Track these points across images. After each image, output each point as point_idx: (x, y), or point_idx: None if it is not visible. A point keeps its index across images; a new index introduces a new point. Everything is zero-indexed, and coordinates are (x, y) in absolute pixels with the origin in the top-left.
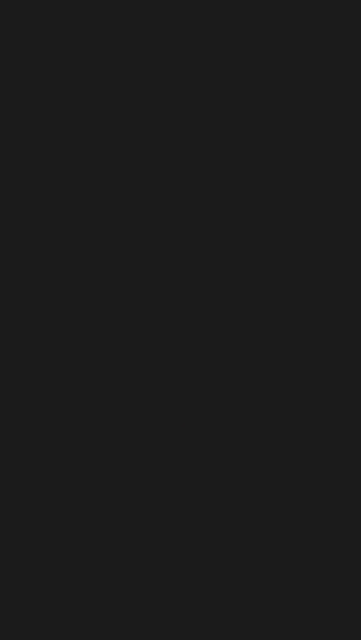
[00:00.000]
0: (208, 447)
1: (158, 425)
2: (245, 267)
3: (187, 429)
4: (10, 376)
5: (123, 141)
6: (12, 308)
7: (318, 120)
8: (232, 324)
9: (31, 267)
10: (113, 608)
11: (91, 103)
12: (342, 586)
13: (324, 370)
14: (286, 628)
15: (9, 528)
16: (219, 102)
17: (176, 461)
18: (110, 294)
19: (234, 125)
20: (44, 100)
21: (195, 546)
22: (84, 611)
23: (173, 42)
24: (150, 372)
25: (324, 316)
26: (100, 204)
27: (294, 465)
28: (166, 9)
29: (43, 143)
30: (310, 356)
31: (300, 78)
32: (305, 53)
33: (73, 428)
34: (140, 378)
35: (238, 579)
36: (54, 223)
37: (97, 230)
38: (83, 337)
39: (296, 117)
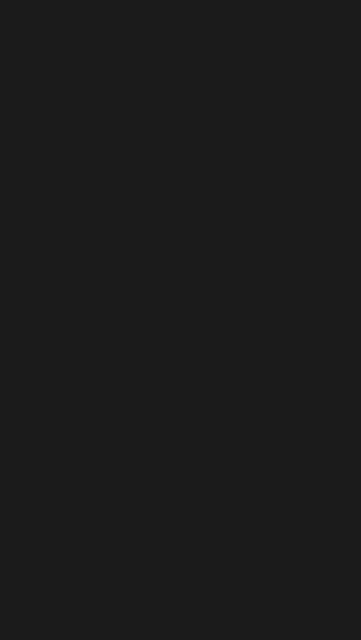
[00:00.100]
0: (208, 447)
1: (158, 425)
2: (245, 266)
3: (187, 429)
4: (10, 376)
5: (123, 141)
6: (12, 308)
7: (318, 120)
8: (232, 324)
9: (31, 267)
10: (113, 608)
11: (91, 103)
12: (342, 586)
13: (324, 369)
14: (286, 627)
15: (9, 528)
16: (219, 102)
17: (176, 461)
18: (110, 294)
19: (234, 125)
20: (43, 101)
21: (195, 546)
22: (84, 611)
23: (173, 42)
24: (150, 371)
25: (325, 316)
26: (100, 204)
27: (294, 465)
28: (166, 9)
29: (43, 143)
30: (310, 356)
31: (300, 78)
32: (305, 53)
33: (73, 427)
34: (140, 378)
35: (238, 578)
36: (54, 223)
37: (97, 230)
38: (83, 337)
39: (296, 117)
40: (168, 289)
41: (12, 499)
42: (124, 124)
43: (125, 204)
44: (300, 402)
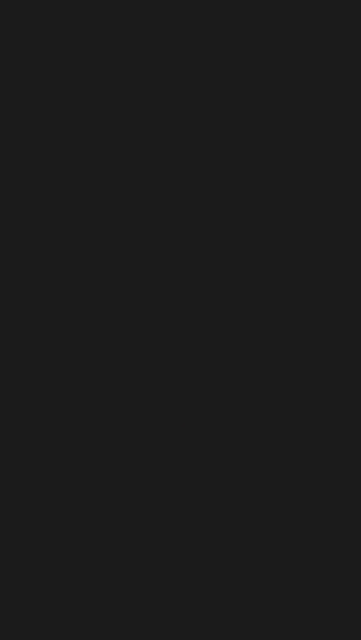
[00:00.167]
0: (208, 447)
1: (158, 425)
2: (245, 266)
3: (187, 429)
4: (10, 376)
5: (123, 141)
6: (12, 308)
7: (318, 120)
8: (232, 324)
9: (31, 267)
10: (113, 608)
11: (91, 103)
12: (342, 586)
13: (324, 369)
14: (286, 627)
15: (9, 528)
16: (219, 102)
17: (176, 461)
18: (110, 294)
19: (234, 125)
20: (43, 101)
21: (195, 545)
22: (84, 611)
23: (173, 42)
24: (150, 371)
25: (325, 316)
26: (100, 204)
27: (294, 465)
28: (166, 9)
29: (43, 143)
30: (310, 356)
31: (300, 78)
32: (305, 53)
33: (73, 427)
34: (140, 377)
35: (238, 578)
36: (54, 223)
37: (97, 230)
38: (83, 337)
39: (296, 117)
40: (168, 288)
41: (12, 499)
42: (123, 123)
43: (125, 203)
44: (301, 401)
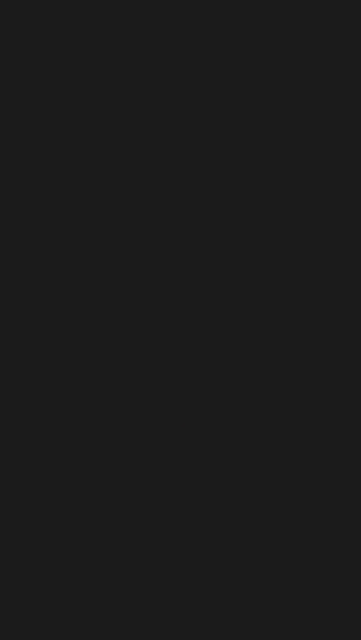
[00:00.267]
0: (208, 447)
1: (158, 425)
2: (245, 267)
3: (187, 429)
4: (10, 376)
5: (123, 141)
6: (12, 308)
7: (318, 120)
8: (232, 324)
9: (31, 267)
10: (113, 608)
11: (91, 103)
12: (342, 586)
13: (324, 370)
14: (286, 628)
15: (9, 528)
16: (219, 102)
17: (176, 461)
18: (110, 294)
19: (234, 125)
20: (43, 101)
21: (195, 546)
22: (84, 611)
23: (173, 42)
24: (150, 371)
25: (325, 316)
26: (100, 204)
27: (294, 465)
28: (166, 9)
29: (43, 143)
30: (310, 356)
31: (301, 78)
32: (305, 54)
33: (73, 427)
34: (140, 378)
35: (238, 578)
36: (54, 223)
37: (97, 230)
38: (83, 337)
39: (296, 117)
40: (168, 288)
41: (12, 499)
42: (123, 123)
43: (125, 203)
44: (301, 401)
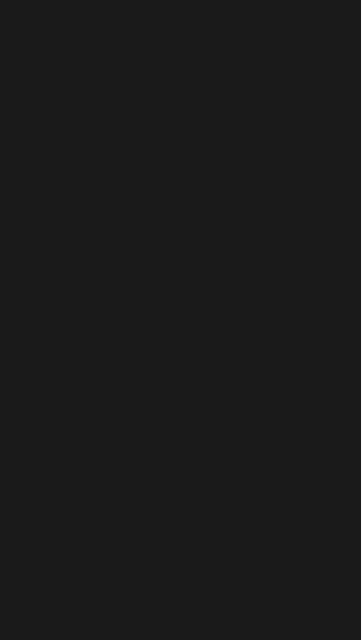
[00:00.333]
0: (208, 447)
1: (158, 425)
2: (245, 267)
3: (187, 429)
4: (10, 376)
5: (123, 142)
6: (12, 308)
7: (318, 120)
8: (232, 325)
9: (31, 267)
10: (113, 608)
11: (91, 103)
12: (342, 586)
13: (325, 370)
14: (286, 628)
15: (9, 528)
16: (219, 103)
17: (176, 461)
18: (110, 294)
19: (234, 125)
20: (43, 101)
21: (195, 546)
22: (84, 611)
23: (173, 42)
24: (150, 371)
25: (325, 317)
26: (100, 204)
27: (294, 465)
28: (166, 9)
29: (43, 143)
30: (310, 357)
31: (301, 79)
32: (305, 54)
33: (73, 427)
34: (140, 378)
35: (238, 578)
36: (54, 223)
37: (97, 230)
38: (83, 337)
39: (296, 118)
40: (168, 289)
41: (12, 499)
42: (123, 123)
43: (125, 203)
44: (301, 402)
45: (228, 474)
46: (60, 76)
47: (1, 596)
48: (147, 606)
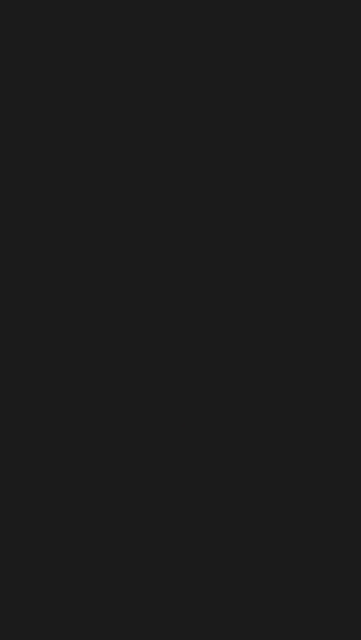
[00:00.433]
0: (208, 447)
1: (158, 425)
2: (245, 267)
3: (187, 429)
4: (10, 376)
5: (123, 142)
6: (12, 308)
7: (318, 120)
8: (232, 325)
9: (31, 267)
10: (113, 608)
11: (91, 103)
12: (342, 586)
13: (325, 370)
14: (286, 628)
15: (9, 528)
16: (219, 103)
17: (176, 461)
18: (110, 294)
19: (234, 126)
20: (43, 101)
21: (195, 546)
22: (84, 611)
23: (173, 42)
24: (150, 372)
25: (325, 317)
26: (101, 205)
27: (294, 465)
28: (166, 9)
29: (43, 143)
30: (310, 357)
31: (301, 79)
32: (305, 54)
33: (73, 427)
34: (140, 378)
35: (238, 578)
36: (54, 223)
37: (97, 230)
38: (83, 337)
39: (296, 118)
40: (168, 289)
41: (12, 499)
42: (123, 124)
43: (125, 204)
44: (301, 402)
45: (228, 473)
46: (60, 76)
47: (1, 596)
48: (147, 606)
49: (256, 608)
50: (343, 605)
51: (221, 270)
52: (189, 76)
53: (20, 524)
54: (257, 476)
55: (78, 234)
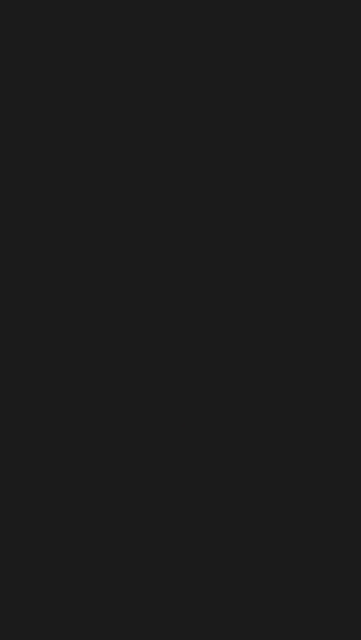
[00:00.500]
0: (208, 447)
1: (158, 425)
2: (245, 267)
3: (187, 429)
4: (10, 376)
5: (123, 142)
6: (12, 308)
7: (318, 120)
8: (232, 325)
9: (31, 267)
10: (113, 608)
11: (91, 104)
12: (342, 586)
13: (325, 370)
14: (286, 628)
15: (9, 528)
16: (219, 103)
17: (176, 462)
18: (110, 294)
19: (234, 126)
20: (43, 101)
21: (195, 546)
22: (84, 611)
23: (173, 42)
24: (150, 372)
25: (325, 317)
26: (101, 205)
27: (294, 465)
28: (166, 9)
29: (43, 144)
30: (310, 357)
31: (301, 79)
32: (305, 54)
33: (73, 428)
34: (140, 378)
35: (238, 579)
36: (54, 223)
37: (97, 231)
38: (83, 337)
39: (296, 118)
40: (168, 289)
41: (12, 499)
42: (123, 124)
43: (125, 204)
44: (301, 402)
45: (228, 473)
46: (60, 76)
47: (1, 596)
48: (147, 606)
49: (256, 608)
50: (343, 605)
51: (221, 270)
52: (189, 75)
53: (20, 524)
54: (257, 476)
55: (78, 233)
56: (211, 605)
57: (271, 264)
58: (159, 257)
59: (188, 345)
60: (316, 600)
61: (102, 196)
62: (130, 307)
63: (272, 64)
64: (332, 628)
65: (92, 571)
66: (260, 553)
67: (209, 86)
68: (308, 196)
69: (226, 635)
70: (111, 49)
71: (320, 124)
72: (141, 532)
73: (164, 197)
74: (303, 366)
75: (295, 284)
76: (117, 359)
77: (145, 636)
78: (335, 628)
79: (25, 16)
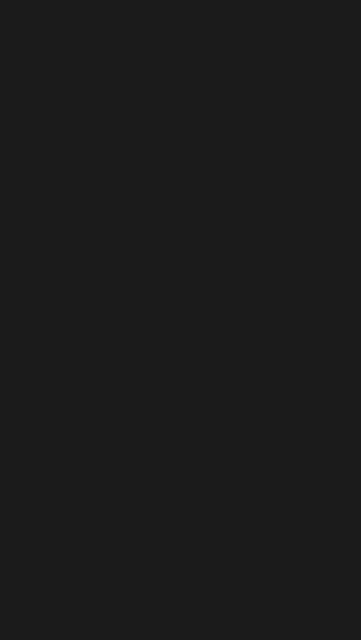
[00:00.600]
0: (208, 447)
1: (158, 425)
2: (245, 267)
3: (187, 429)
4: (10, 376)
5: (123, 142)
6: (12, 308)
7: (318, 120)
8: (232, 325)
9: (31, 267)
10: (113, 608)
11: (91, 104)
12: (342, 586)
13: (325, 370)
14: (286, 628)
15: (9, 528)
16: (219, 103)
17: (176, 462)
18: (110, 294)
19: (234, 126)
20: (43, 101)
21: (195, 546)
22: (84, 611)
23: (173, 42)
24: (150, 372)
25: (325, 317)
26: (101, 205)
27: (294, 465)
28: (166, 9)
29: (43, 144)
30: (310, 357)
31: (301, 79)
32: (305, 54)
33: (73, 428)
34: (140, 378)
35: (238, 579)
36: (54, 223)
37: (97, 231)
38: (83, 337)
39: (296, 118)
40: (168, 289)
41: (12, 499)
42: (123, 124)
43: (125, 204)
44: (301, 402)
45: (228, 473)
46: (60, 76)
47: (1, 595)
48: (147, 606)
49: (256, 607)
50: (343, 605)
51: (221, 269)
52: (189, 74)
53: (20, 524)
54: (257, 476)
55: (78, 233)
56: (211, 605)
57: (271, 264)
58: (159, 256)
59: (188, 344)
60: (317, 600)
61: (102, 195)
62: (130, 306)
63: (272, 64)
64: (332, 628)
65: (91, 570)
66: (260, 552)
67: (209, 86)
68: (308, 195)
69: (226, 635)
70: (111, 49)
71: (320, 123)
72: (141, 531)
73: (164, 197)
74: (303, 366)
75: (295, 284)
76: (117, 359)
77: (145, 636)
78: (335, 628)
79: (25, 16)
